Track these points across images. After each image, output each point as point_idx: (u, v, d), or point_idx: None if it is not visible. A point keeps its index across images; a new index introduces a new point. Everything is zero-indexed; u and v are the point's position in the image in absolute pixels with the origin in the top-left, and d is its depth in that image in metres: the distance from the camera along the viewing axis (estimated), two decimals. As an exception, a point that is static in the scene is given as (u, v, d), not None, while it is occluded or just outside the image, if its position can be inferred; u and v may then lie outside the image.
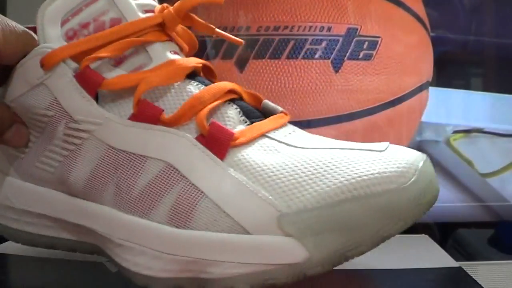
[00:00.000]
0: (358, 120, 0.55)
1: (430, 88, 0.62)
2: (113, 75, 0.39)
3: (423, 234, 0.55)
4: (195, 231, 0.35)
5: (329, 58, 0.53)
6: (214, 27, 0.42)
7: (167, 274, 0.36)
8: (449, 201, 0.66)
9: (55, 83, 0.39)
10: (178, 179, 0.36)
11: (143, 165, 0.37)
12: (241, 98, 0.41)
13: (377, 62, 0.55)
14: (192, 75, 0.40)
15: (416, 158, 0.36)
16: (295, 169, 0.36)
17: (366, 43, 0.55)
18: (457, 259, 0.51)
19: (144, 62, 0.40)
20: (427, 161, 0.37)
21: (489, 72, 0.81)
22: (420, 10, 0.60)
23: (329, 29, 0.54)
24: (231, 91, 0.40)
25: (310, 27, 0.53)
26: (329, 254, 0.34)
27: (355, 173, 0.35)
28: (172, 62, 0.39)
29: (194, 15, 0.42)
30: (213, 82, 0.41)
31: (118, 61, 0.40)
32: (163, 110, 0.38)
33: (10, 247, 0.48)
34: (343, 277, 0.40)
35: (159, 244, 0.36)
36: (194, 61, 0.41)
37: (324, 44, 0.53)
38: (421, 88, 0.59)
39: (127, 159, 0.37)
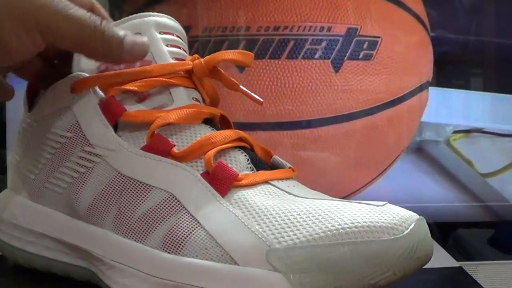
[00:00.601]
0: (358, 120, 0.55)
1: (430, 88, 0.62)
2: (134, 109, 0.41)
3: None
4: (185, 257, 0.37)
5: (329, 58, 0.53)
6: (238, 83, 0.44)
7: None
8: (449, 201, 0.66)
9: (80, 108, 0.41)
10: (177, 209, 0.38)
11: (147, 193, 0.39)
12: (251, 149, 0.42)
13: (377, 62, 0.55)
14: (208, 121, 0.42)
15: (412, 215, 0.37)
16: (290, 211, 0.37)
17: (366, 43, 0.55)
18: (457, 259, 0.51)
19: (165, 102, 0.41)
20: (422, 221, 0.37)
21: (489, 72, 0.82)
22: (420, 10, 0.60)
23: (329, 29, 0.54)
24: (241, 139, 0.42)
25: (310, 27, 0.53)
26: None
27: (349, 220, 0.35)
28: (192, 106, 0.41)
29: (222, 70, 0.43)
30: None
31: (141, 98, 0.41)
32: (174, 145, 0.39)
33: None
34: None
35: (149, 267, 0.37)
36: (213, 110, 0.43)
37: (324, 44, 0.53)
38: (421, 88, 0.59)
39: (133, 186, 0.39)
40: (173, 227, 0.37)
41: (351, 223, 0.35)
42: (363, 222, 0.35)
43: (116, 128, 0.41)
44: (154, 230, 0.38)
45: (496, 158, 0.72)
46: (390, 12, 0.57)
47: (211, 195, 0.38)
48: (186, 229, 0.37)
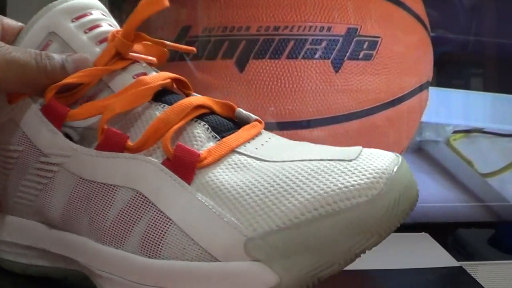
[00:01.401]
0: (358, 120, 0.55)
1: (430, 88, 0.62)
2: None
3: (423, 233, 0.55)
4: (165, 260, 0.35)
5: (329, 58, 0.53)
6: (165, 42, 0.42)
7: None
8: (449, 201, 0.66)
9: (23, 118, 0.39)
10: (147, 208, 0.35)
11: (113, 195, 0.37)
12: (212, 112, 0.39)
13: (377, 62, 0.55)
14: (162, 93, 0.39)
15: (389, 164, 0.34)
16: (261, 188, 0.34)
17: (366, 43, 0.55)
18: (457, 259, 0.51)
19: (108, 93, 0.39)
20: (401, 166, 0.34)
21: (489, 72, 0.82)
22: (420, 10, 0.60)
23: (329, 29, 0.54)
24: (199, 107, 0.38)
25: (310, 27, 0.53)
26: (300, 277, 0.33)
27: (321, 189, 0.33)
28: (136, 84, 0.39)
29: (142, 33, 0.41)
30: (187, 96, 0.41)
31: (87, 100, 0.39)
32: (128, 137, 0.37)
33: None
34: (343, 277, 0.40)
35: (133, 274, 0.36)
36: (161, 78, 0.40)
37: (324, 44, 0.53)
38: (421, 88, 0.59)
39: (98, 190, 0.37)
40: (147, 228, 0.35)
41: (324, 192, 0.33)
42: (337, 188, 0.33)
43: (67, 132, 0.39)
44: (130, 233, 0.36)
45: (496, 158, 0.72)
46: (390, 12, 0.57)
47: (177, 185, 0.35)
48: (160, 229, 0.35)
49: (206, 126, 0.38)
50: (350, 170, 0.34)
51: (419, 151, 0.77)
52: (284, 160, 0.36)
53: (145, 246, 0.35)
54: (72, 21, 0.41)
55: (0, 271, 0.44)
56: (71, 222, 0.38)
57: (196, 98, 0.39)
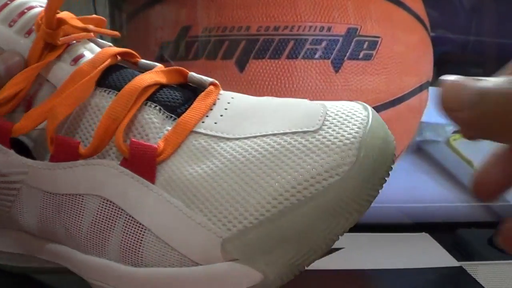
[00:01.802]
0: (358, 120, 0.55)
1: (430, 88, 0.62)
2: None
3: (423, 232, 0.55)
4: (148, 268, 0.33)
5: (329, 58, 0.53)
6: (88, 26, 0.39)
7: None
8: (449, 201, 0.66)
9: None
10: (118, 214, 0.34)
11: (82, 204, 0.35)
12: (162, 86, 0.37)
13: (377, 62, 0.55)
14: (106, 72, 0.37)
15: (358, 127, 0.32)
16: (227, 180, 0.32)
17: (366, 43, 0.54)
18: (457, 259, 0.51)
19: (50, 91, 0.37)
20: (372, 125, 0.31)
21: (489, 72, 0.81)
22: (420, 10, 0.60)
23: (329, 29, 0.54)
24: (149, 86, 0.36)
25: (310, 27, 0.53)
26: (284, 269, 0.32)
27: (289, 174, 0.31)
28: (75, 77, 0.36)
29: (64, 18, 0.37)
30: (135, 64, 0.39)
31: (27, 105, 0.37)
32: (79, 142, 0.35)
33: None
34: (343, 277, 0.40)
35: (121, 283, 0.34)
36: (101, 60, 0.37)
37: (324, 44, 0.53)
38: (421, 88, 0.59)
39: (65, 201, 0.35)
40: (123, 236, 0.34)
41: (292, 178, 0.31)
42: (305, 171, 0.31)
43: (23, 147, 0.37)
44: (108, 242, 0.34)
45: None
46: (390, 12, 0.57)
47: (141, 186, 0.33)
48: (135, 237, 0.33)
49: (158, 107, 0.35)
50: (316, 146, 0.32)
51: (419, 151, 0.77)
52: (246, 136, 0.34)
53: (125, 255, 0.34)
54: None
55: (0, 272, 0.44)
56: (48, 233, 0.37)
57: (142, 78, 0.36)
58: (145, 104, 0.35)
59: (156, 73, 0.37)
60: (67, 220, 0.36)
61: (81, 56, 0.38)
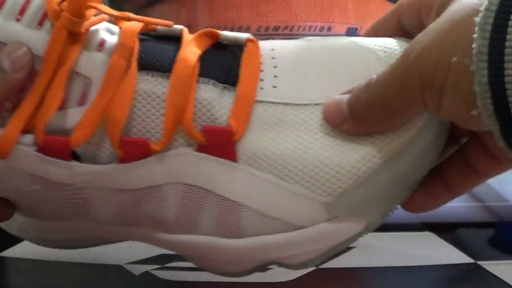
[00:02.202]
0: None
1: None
2: (70, 125, 0.34)
3: (426, 232, 0.55)
4: (251, 237, 0.35)
5: (329, 58, 0.53)
6: (128, 14, 0.37)
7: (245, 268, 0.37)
8: (449, 201, 0.66)
9: (23, 165, 0.35)
10: (205, 195, 0.34)
11: (162, 193, 0.35)
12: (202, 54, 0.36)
13: (377, 62, 0.55)
14: (139, 53, 0.35)
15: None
16: (317, 149, 0.34)
17: (366, 43, 0.55)
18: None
19: (85, 83, 0.35)
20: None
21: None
22: (420, 10, 0.60)
23: (329, 29, 0.54)
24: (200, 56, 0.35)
25: (310, 27, 0.53)
26: (383, 213, 0.35)
27: (372, 142, 0.33)
28: (112, 69, 0.34)
29: (95, 5, 0.35)
30: (153, 31, 0.37)
31: (60, 103, 0.34)
32: (148, 140, 0.34)
33: (11, 252, 0.49)
34: (356, 275, 0.40)
35: (226, 253, 0.35)
36: (130, 43, 0.35)
37: (324, 44, 0.53)
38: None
39: (144, 194, 0.35)
40: (218, 215, 0.34)
41: (379, 137, 0.33)
42: (385, 136, 0.33)
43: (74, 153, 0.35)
44: (200, 222, 0.35)
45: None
46: (390, 12, 0.57)
47: (226, 167, 0.34)
48: (231, 214, 0.34)
49: (211, 81, 0.35)
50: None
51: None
52: (315, 102, 0.35)
53: (224, 230, 0.35)
54: None
55: (8, 271, 0.45)
56: (127, 222, 0.36)
57: (186, 55, 0.35)
58: (198, 81, 0.35)
59: (193, 44, 0.36)
60: (148, 209, 0.35)
61: (104, 40, 0.35)
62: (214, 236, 0.35)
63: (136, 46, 0.35)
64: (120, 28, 0.36)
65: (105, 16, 0.36)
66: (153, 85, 0.35)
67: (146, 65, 0.35)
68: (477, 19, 0.27)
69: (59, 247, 0.41)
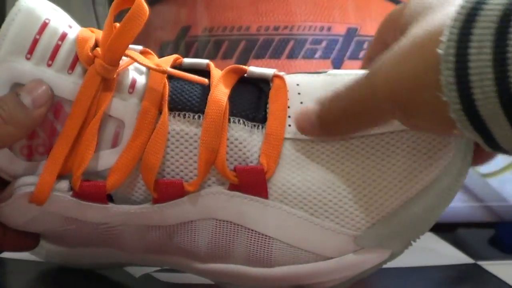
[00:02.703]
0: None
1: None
2: (104, 167, 0.35)
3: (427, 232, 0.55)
4: (282, 266, 0.36)
5: (329, 58, 0.53)
6: (162, 66, 0.36)
7: None
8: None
9: (58, 209, 0.36)
10: (236, 230, 0.36)
11: (194, 228, 0.36)
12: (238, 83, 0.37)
13: (377, 62, 0.55)
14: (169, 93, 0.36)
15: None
16: (345, 187, 0.36)
17: (366, 43, 0.54)
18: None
19: (117, 125, 0.36)
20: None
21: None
22: (420, 10, 0.60)
23: (329, 29, 0.54)
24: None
25: (310, 27, 0.53)
26: (407, 243, 0.37)
27: (402, 171, 0.35)
28: (144, 114, 0.35)
29: (132, 55, 0.35)
30: (180, 65, 0.38)
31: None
32: (182, 181, 0.35)
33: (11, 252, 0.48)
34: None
35: (256, 281, 0.37)
36: (159, 85, 0.35)
37: (324, 44, 0.53)
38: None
39: (176, 229, 0.36)
40: (249, 248, 0.36)
41: (405, 174, 0.35)
42: (414, 166, 0.35)
43: (110, 196, 0.36)
44: (231, 254, 0.37)
45: (496, 158, 0.71)
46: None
47: (257, 204, 0.35)
48: (263, 246, 0.36)
49: (241, 120, 0.36)
50: (411, 145, 0.35)
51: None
52: (340, 137, 0.36)
53: (255, 261, 0.36)
54: (27, 59, 0.34)
55: (8, 272, 0.45)
56: (158, 252, 0.38)
57: (217, 96, 0.36)
58: (229, 121, 0.36)
59: (221, 83, 0.37)
60: (180, 241, 0.37)
61: (134, 80, 0.36)
62: (244, 265, 0.37)
63: (166, 88, 0.36)
64: (148, 70, 0.36)
65: (130, 61, 0.36)
66: (185, 126, 0.36)
67: (177, 106, 0.36)
68: (440, 51, 0.28)
69: (84, 268, 0.42)
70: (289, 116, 0.37)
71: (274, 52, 0.53)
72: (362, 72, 0.34)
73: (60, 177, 0.35)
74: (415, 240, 0.37)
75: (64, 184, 0.35)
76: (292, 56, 0.53)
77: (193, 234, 0.36)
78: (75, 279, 0.43)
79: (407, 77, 0.29)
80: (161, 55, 0.52)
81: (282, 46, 0.53)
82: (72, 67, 0.35)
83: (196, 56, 0.54)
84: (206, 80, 0.36)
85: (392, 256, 0.37)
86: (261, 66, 0.53)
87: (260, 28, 0.53)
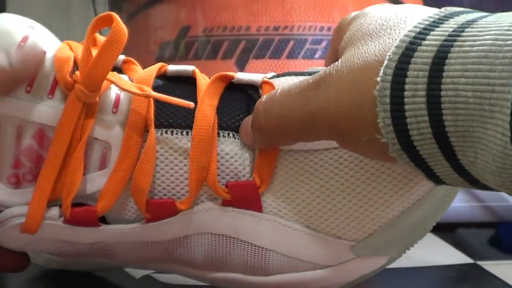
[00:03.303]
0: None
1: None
2: (93, 190, 0.35)
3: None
4: (280, 275, 0.36)
5: (329, 58, 0.53)
6: (143, 89, 0.35)
7: None
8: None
9: (49, 235, 0.35)
10: (232, 243, 0.36)
11: (190, 242, 0.36)
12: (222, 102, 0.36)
13: (377, 62, 0.55)
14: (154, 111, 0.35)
15: None
16: (340, 199, 0.35)
17: (366, 43, 0.54)
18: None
19: (103, 146, 0.35)
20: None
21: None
22: (420, 10, 0.60)
23: (329, 29, 0.54)
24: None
25: (310, 27, 0.53)
26: (402, 249, 0.37)
27: (397, 183, 0.35)
28: (129, 134, 0.34)
29: (114, 80, 0.34)
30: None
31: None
32: (174, 200, 0.35)
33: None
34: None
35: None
36: (144, 105, 0.34)
37: (324, 44, 0.53)
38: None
39: (172, 243, 0.36)
40: (246, 259, 0.36)
41: (401, 185, 0.35)
42: (409, 177, 0.35)
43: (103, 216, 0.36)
44: (227, 264, 0.37)
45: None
46: (390, 12, 0.57)
47: (251, 218, 0.35)
48: (259, 258, 0.36)
49: (231, 133, 0.35)
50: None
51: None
52: (334, 146, 0.35)
53: (252, 270, 0.36)
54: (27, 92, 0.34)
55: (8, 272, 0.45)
56: (154, 263, 0.38)
57: (204, 113, 0.35)
58: (220, 135, 0.35)
59: (208, 95, 0.35)
60: (178, 255, 0.37)
61: (118, 98, 0.35)
62: (243, 274, 0.37)
63: (152, 108, 0.35)
64: (132, 93, 0.35)
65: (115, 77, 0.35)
66: (173, 143, 0.35)
67: (164, 123, 0.35)
68: (376, 93, 0.27)
69: (82, 271, 0.43)
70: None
71: (274, 52, 0.53)
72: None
73: (50, 204, 0.35)
74: (412, 246, 0.37)
75: (54, 212, 0.35)
76: (292, 56, 0.53)
77: (189, 247, 0.36)
78: (75, 279, 0.43)
79: (345, 109, 0.29)
80: (161, 55, 0.53)
81: (282, 46, 0.53)
82: (51, 92, 0.34)
83: (196, 56, 0.54)
84: (192, 104, 0.34)
85: (389, 262, 0.37)
86: (261, 66, 0.53)
87: (260, 28, 0.53)
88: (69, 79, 0.34)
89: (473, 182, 0.28)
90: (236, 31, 0.54)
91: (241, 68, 0.53)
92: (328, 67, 0.30)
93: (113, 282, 0.44)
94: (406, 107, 0.27)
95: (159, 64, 0.37)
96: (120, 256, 0.38)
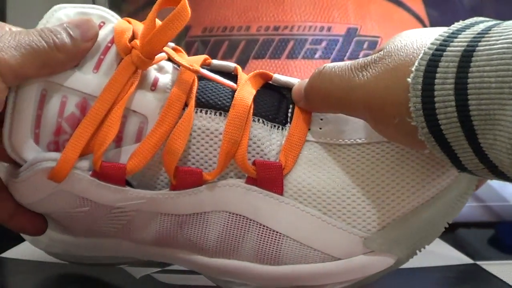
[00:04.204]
0: (358, 120, 0.55)
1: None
2: (126, 156, 0.36)
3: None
4: (289, 265, 0.37)
5: (329, 58, 0.53)
6: (193, 65, 0.37)
7: None
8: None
9: (76, 188, 0.36)
10: (248, 224, 0.37)
11: (206, 220, 0.37)
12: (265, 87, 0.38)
13: (377, 62, 0.55)
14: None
15: None
16: (359, 189, 0.37)
17: (366, 43, 0.54)
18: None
19: (140, 120, 0.36)
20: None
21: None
22: (420, 10, 0.60)
23: (329, 29, 0.54)
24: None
25: (310, 27, 0.53)
26: (412, 250, 0.37)
27: (415, 178, 0.37)
28: (171, 104, 0.36)
29: (170, 53, 0.37)
30: (208, 65, 0.39)
31: (117, 140, 0.36)
32: (201, 171, 0.36)
33: (11, 253, 0.49)
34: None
35: (262, 279, 0.38)
36: (189, 81, 0.37)
37: (324, 44, 0.53)
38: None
39: (189, 219, 0.37)
40: (259, 243, 0.37)
41: (418, 180, 0.36)
42: (426, 174, 0.36)
43: (129, 183, 0.36)
44: (239, 248, 0.37)
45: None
46: (390, 12, 0.57)
47: (272, 200, 0.36)
48: (272, 243, 0.37)
49: (261, 120, 0.37)
50: (428, 157, 0.37)
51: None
52: (357, 142, 0.38)
53: (262, 257, 0.37)
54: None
55: (8, 272, 0.45)
56: (166, 244, 0.38)
57: (243, 95, 0.37)
58: (253, 121, 0.37)
59: (249, 85, 0.38)
60: (190, 233, 0.37)
61: (157, 79, 0.37)
62: (252, 262, 0.37)
63: (195, 85, 0.37)
64: (179, 66, 0.37)
65: (163, 57, 0.37)
66: (206, 122, 0.37)
67: (200, 103, 0.37)
68: (409, 80, 0.31)
69: (83, 263, 0.42)
70: (313, 124, 0.38)
71: (274, 52, 0.53)
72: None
73: (81, 157, 0.35)
74: (421, 249, 0.38)
75: (85, 163, 0.35)
76: (292, 56, 0.53)
77: (204, 226, 0.37)
78: (75, 279, 0.43)
79: (381, 90, 0.33)
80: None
81: (282, 46, 0.53)
82: (97, 67, 0.36)
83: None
84: (235, 85, 0.38)
85: (398, 263, 0.37)
86: (261, 66, 0.53)
87: (260, 28, 0.53)
88: (128, 44, 0.36)
89: (491, 168, 0.30)
90: (236, 31, 0.54)
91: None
92: (372, 56, 0.35)
93: (113, 282, 0.44)
94: (436, 93, 0.30)
95: (204, 56, 0.39)
96: (134, 231, 0.38)
